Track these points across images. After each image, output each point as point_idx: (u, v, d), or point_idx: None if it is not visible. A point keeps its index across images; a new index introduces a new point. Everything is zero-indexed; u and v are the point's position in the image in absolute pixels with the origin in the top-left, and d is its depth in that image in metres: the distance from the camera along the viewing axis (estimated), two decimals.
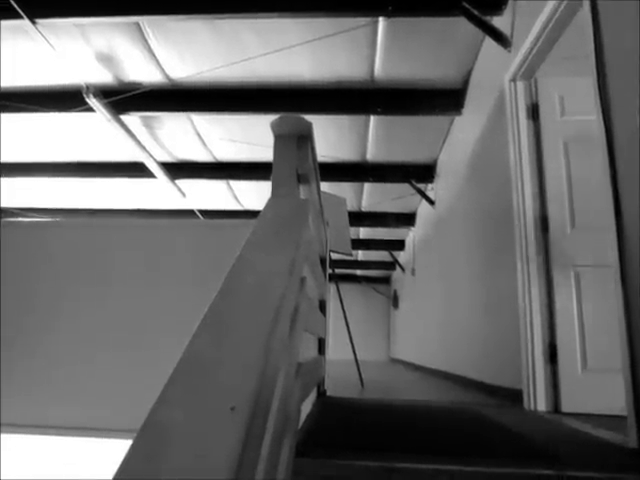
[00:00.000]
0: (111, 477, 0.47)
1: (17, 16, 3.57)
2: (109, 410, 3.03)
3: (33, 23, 3.69)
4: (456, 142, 5.21)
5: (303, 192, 1.71)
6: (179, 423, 0.53)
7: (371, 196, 7.66)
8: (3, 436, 3.17)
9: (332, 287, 4.64)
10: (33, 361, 3.17)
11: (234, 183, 7.26)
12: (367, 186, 7.28)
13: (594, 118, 1.92)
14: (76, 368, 3.14)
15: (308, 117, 1.61)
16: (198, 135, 5.78)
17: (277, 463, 0.86)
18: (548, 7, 2.56)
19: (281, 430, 0.91)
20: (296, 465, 1.23)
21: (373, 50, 4.22)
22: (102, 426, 3.03)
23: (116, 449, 3.07)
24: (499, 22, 3.42)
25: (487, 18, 3.40)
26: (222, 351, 0.65)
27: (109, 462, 3.18)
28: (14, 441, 3.29)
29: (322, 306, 2.91)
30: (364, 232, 9.96)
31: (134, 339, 3.13)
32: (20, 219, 8.39)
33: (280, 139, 1.58)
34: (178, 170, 6.69)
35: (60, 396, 3.10)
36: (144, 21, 3.90)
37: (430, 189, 6.71)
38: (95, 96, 4.52)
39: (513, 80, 3.09)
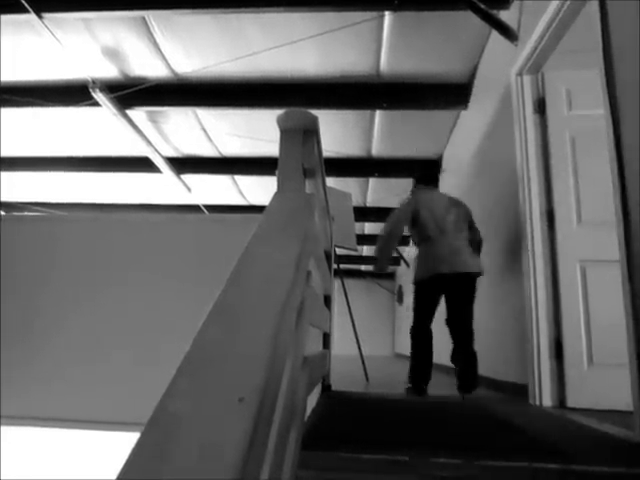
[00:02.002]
0: (116, 474, 0.48)
1: (23, 10, 3.57)
2: (113, 403, 3.04)
3: (39, 17, 3.69)
4: (462, 137, 5.18)
5: (309, 187, 1.71)
6: (188, 414, 0.53)
7: (376, 191, 7.64)
8: (3, 429, 3.18)
9: (337, 282, 4.65)
10: (36, 354, 3.19)
11: (239, 178, 7.27)
12: (372, 181, 7.27)
13: (602, 112, 1.91)
14: (80, 360, 3.15)
15: (313, 112, 1.60)
16: (203, 130, 5.78)
17: (283, 455, 0.87)
18: None
19: (288, 422, 0.92)
20: (301, 458, 1.24)
21: (379, 44, 4.20)
22: (106, 419, 3.04)
23: (120, 442, 3.09)
24: (506, 16, 3.39)
25: (493, 12, 3.38)
26: (230, 343, 0.66)
27: (112, 455, 3.20)
28: (15, 434, 3.31)
29: (327, 301, 2.92)
30: (369, 227, 9.95)
31: (140, 332, 3.14)
32: (25, 213, 8.43)
33: (286, 133, 1.58)
34: (183, 165, 6.70)
35: (63, 388, 3.12)
36: (150, 15, 3.89)
37: None
38: (101, 90, 4.52)
39: (520, 74, 3.07)
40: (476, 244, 3.19)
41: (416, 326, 3.14)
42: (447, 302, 3.10)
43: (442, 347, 6.07)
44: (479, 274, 3.01)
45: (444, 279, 2.96)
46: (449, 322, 3.09)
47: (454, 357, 3.10)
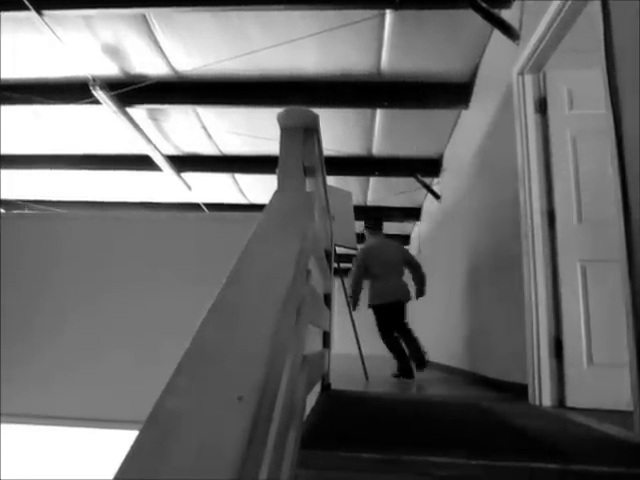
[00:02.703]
0: (114, 472, 0.47)
1: (24, 7, 3.57)
2: (112, 401, 3.04)
3: (40, 15, 3.69)
4: (463, 136, 5.18)
5: (309, 185, 1.71)
6: (187, 412, 0.53)
7: (377, 190, 7.64)
8: (3, 426, 3.18)
9: (337, 281, 4.65)
10: (36, 352, 3.19)
11: (239, 176, 7.26)
12: (373, 180, 7.26)
13: (603, 112, 1.90)
14: (79, 358, 3.15)
15: (314, 110, 1.60)
16: (204, 128, 5.78)
17: (283, 454, 0.87)
18: None
19: (287, 421, 0.91)
20: (301, 457, 1.24)
21: (380, 43, 4.20)
22: (105, 417, 3.05)
23: (119, 440, 3.08)
24: (507, 15, 3.39)
25: (495, 11, 3.37)
26: (229, 341, 0.65)
27: (112, 453, 3.20)
28: (15, 432, 3.30)
29: (327, 299, 2.92)
30: None
31: (139, 330, 3.14)
32: (25, 211, 8.43)
33: (286, 132, 1.57)
34: (184, 163, 6.69)
35: (63, 386, 3.12)
36: (150, 13, 3.89)
37: (436, 183, 6.68)
38: (101, 88, 4.52)
39: (521, 73, 3.06)
40: (419, 278, 4.65)
41: (382, 333, 4.56)
42: (391, 317, 4.55)
43: (438, 347, 6.08)
44: (408, 300, 4.59)
45: (388, 305, 4.51)
46: (396, 327, 4.54)
47: (407, 347, 4.49)
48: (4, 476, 3.40)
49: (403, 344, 4.46)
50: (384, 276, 4.54)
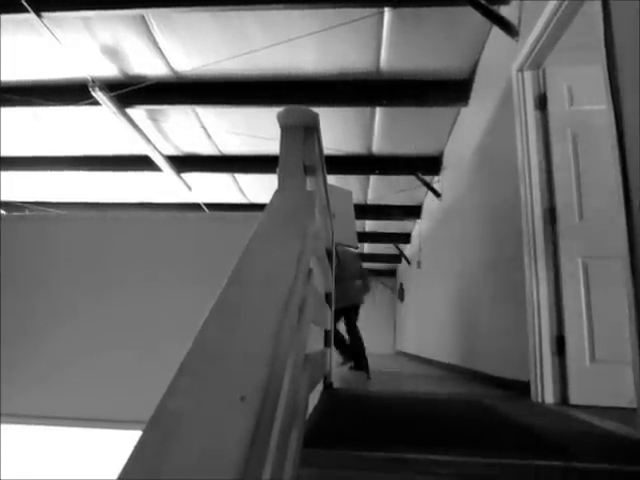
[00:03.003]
0: (118, 473, 0.47)
1: (23, 10, 3.56)
2: (114, 401, 3.04)
3: (39, 17, 3.68)
4: (463, 134, 5.17)
5: (309, 184, 1.70)
6: (189, 413, 0.53)
7: (377, 189, 7.64)
8: (4, 427, 3.18)
9: None
10: (36, 352, 3.19)
11: (239, 176, 7.26)
12: (373, 179, 7.26)
13: (603, 108, 1.90)
14: (80, 359, 3.15)
15: (313, 109, 1.59)
16: (203, 128, 5.78)
17: (285, 454, 0.87)
18: None
19: (289, 421, 0.91)
20: (303, 455, 1.24)
21: (378, 41, 4.19)
22: (107, 417, 3.04)
23: (121, 440, 3.08)
24: (506, 11, 3.38)
25: (494, 7, 3.36)
26: (231, 341, 0.65)
27: (114, 453, 3.20)
28: (16, 432, 3.30)
29: (328, 298, 2.91)
30: (370, 225, 9.94)
31: (140, 330, 3.14)
32: (26, 212, 8.43)
33: (286, 131, 1.57)
34: (184, 163, 6.69)
35: (63, 386, 3.12)
36: (149, 14, 3.88)
37: (436, 181, 6.67)
38: (100, 89, 4.51)
39: (520, 70, 3.06)
40: (366, 286, 5.09)
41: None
42: (346, 318, 4.91)
43: (438, 345, 6.07)
44: (361, 303, 5.04)
45: (346, 307, 4.79)
46: (348, 328, 4.90)
47: (351, 345, 4.86)
48: (4, 476, 3.40)
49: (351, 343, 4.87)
50: (347, 279, 4.90)
